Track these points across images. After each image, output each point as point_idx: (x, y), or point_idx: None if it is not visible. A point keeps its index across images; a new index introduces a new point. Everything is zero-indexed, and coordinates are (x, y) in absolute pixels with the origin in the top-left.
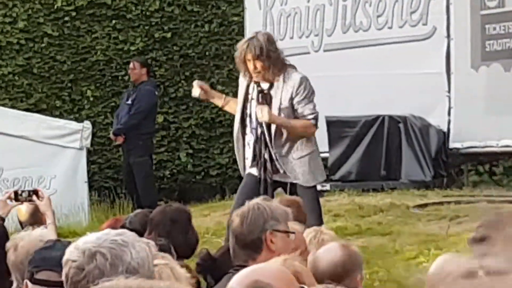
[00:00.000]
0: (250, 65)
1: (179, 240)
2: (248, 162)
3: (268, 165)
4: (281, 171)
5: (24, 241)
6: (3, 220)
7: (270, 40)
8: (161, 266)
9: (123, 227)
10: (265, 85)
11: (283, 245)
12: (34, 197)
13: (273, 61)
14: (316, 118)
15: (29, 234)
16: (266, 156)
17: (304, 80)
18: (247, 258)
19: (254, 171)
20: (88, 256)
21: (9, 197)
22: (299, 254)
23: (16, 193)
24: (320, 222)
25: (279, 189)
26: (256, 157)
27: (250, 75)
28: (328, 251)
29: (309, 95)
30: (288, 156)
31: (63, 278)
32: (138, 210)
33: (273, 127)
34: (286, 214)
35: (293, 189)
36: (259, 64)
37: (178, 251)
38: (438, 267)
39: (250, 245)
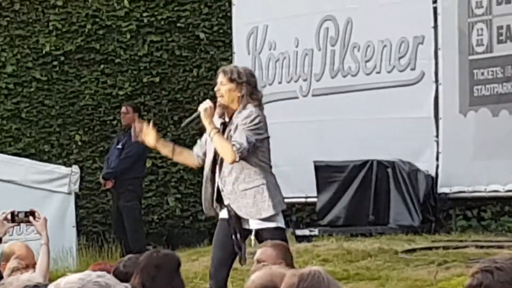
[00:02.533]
0: (216, 87)
1: (162, 287)
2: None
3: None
4: (226, 203)
5: (13, 287)
6: (0, 240)
7: (250, 73)
8: None
9: (116, 270)
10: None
11: None
12: (31, 218)
13: (242, 89)
14: (239, 149)
15: (17, 279)
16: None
17: (254, 113)
18: None
19: (224, 212)
20: None
21: (5, 218)
22: None
23: (13, 214)
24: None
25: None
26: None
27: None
28: None
29: (251, 128)
30: (233, 187)
31: None
32: (131, 255)
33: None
34: None
35: (259, 233)
36: (224, 87)
37: None
38: None
39: None
